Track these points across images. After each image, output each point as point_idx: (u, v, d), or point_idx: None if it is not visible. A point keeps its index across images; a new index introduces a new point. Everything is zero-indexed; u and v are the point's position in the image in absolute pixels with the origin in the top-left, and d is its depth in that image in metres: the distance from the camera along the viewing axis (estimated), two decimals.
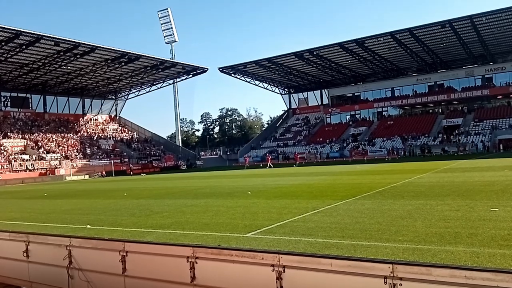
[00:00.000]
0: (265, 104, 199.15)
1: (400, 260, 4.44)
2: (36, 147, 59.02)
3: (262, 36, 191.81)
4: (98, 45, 52.65)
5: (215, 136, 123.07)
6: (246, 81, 75.35)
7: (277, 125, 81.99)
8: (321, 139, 68.52)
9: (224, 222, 10.85)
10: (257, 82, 76.69)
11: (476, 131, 56.05)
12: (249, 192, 18.03)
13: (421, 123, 63.81)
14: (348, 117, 73.13)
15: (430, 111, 67.54)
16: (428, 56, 62.94)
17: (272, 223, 10.07)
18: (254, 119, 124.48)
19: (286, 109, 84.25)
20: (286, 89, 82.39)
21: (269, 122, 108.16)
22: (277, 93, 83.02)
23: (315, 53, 61.66)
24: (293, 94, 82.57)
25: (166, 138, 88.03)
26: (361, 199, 13.66)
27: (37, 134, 62.61)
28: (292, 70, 70.19)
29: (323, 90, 77.67)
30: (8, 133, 59.23)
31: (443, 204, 11.43)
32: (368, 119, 70.93)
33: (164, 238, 9.03)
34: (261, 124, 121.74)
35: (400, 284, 3.52)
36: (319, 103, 78.35)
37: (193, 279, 4.62)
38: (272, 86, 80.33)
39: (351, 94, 74.78)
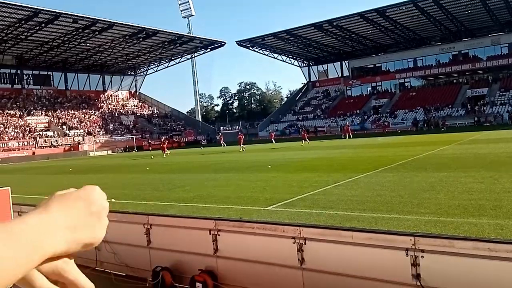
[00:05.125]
0: (284, 77, 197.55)
1: (422, 233, 4.43)
2: (60, 124, 60.29)
3: (280, 9, 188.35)
4: (116, 21, 52.67)
5: (234, 110, 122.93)
6: (265, 54, 74.55)
7: (297, 98, 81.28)
8: (341, 112, 67.79)
9: (245, 195, 10.97)
10: (275, 55, 75.76)
11: (502, 101, 54.43)
12: (269, 166, 18.10)
13: (444, 94, 62.25)
14: (369, 89, 71.87)
15: (454, 81, 65.72)
16: (452, 25, 60.75)
17: (293, 196, 10.13)
18: (273, 93, 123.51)
19: (305, 82, 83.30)
20: (305, 62, 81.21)
21: (288, 95, 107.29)
22: (296, 65, 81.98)
23: (334, 24, 60.27)
24: (312, 67, 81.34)
25: (185, 114, 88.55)
26: (383, 172, 13.56)
27: (60, 111, 63.83)
28: (311, 42, 68.93)
29: (343, 62, 76.19)
30: (32, 111, 60.57)
31: (467, 176, 11.26)
32: (389, 91, 69.60)
33: (187, 212, 9.20)
34: (280, 98, 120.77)
35: (422, 257, 3.52)
36: (339, 75, 77.06)
37: (216, 251, 4.72)
38: (291, 59, 79.27)
39: (372, 66, 73.18)
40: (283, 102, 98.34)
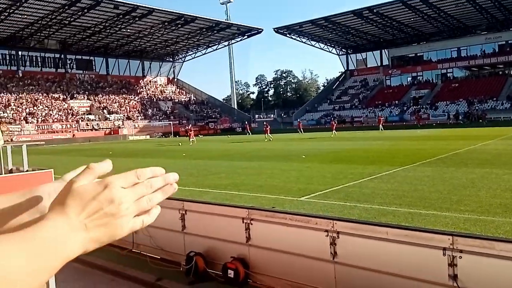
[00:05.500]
0: (321, 65, 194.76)
1: (461, 232, 4.29)
2: (101, 108, 62.22)
3: None
4: (155, 7, 53.41)
5: (270, 98, 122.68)
6: (302, 42, 73.62)
7: (334, 87, 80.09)
8: (379, 102, 66.27)
9: (278, 185, 10.98)
10: (313, 43, 74.66)
11: None
12: (304, 156, 18.00)
13: (489, 85, 59.53)
14: (409, 79, 69.80)
15: (500, 72, 62.69)
16: (500, 13, 57.65)
17: (327, 188, 10.05)
18: (309, 81, 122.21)
19: (343, 70, 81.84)
20: (343, 50, 79.66)
21: (325, 84, 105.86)
22: (334, 53, 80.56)
23: (375, 11, 58.61)
24: (350, 55, 79.69)
25: (221, 101, 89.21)
26: (421, 166, 13.21)
27: (101, 95, 65.83)
28: (350, 30, 67.42)
29: (383, 50, 74.15)
30: (75, 94, 62.77)
31: (510, 174, 10.79)
32: (431, 81, 67.31)
33: (221, 198, 9.32)
34: (317, 86, 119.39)
35: (460, 257, 3.42)
36: (379, 64, 75.14)
37: (248, 239, 4.77)
38: (329, 47, 77.94)
39: (413, 55, 70.89)
40: (320, 91, 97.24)
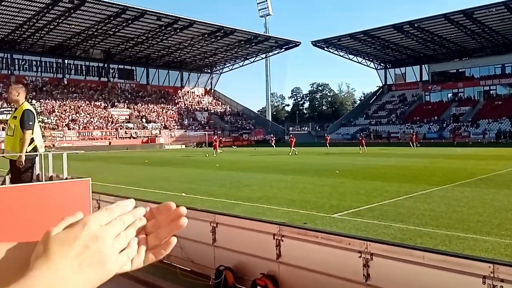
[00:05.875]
0: (358, 79, 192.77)
1: (503, 260, 4.07)
2: (139, 117, 63.92)
3: (357, 9, 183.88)
4: (196, 20, 54.67)
5: (305, 111, 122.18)
6: (339, 55, 73.17)
7: (371, 101, 78.92)
8: (418, 118, 64.67)
9: (310, 200, 10.86)
10: (351, 56, 74.12)
11: None
12: (337, 171, 17.75)
13: None
14: (449, 95, 67.82)
15: None
16: None
17: (361, 205, 9.84)
18: (345, 95, 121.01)
19: (380, 85, 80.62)
20: (381, 64, 78.57)
21: (362, 98, 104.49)
22: (372, 68, 79.59)
23: (416, 25, 57.57)
24: (389, 69, 78.45)
25: (256, 112, 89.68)
26: (460, 186, 12.73)
27: (140, 105, 67.70)
28: (389, 44, 66.47)
29: (422, 65, 72.55)
30: (115, 103, 64.87)
31: None
32: (472, 98, 65.11)
33: (252, 211, 9.30)
34: (353, 100, 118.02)
35: (501, 286, 3.24)
36: (418, 79, 73.51)
37: (279, 256, 4.71)
38: (366, 61, 77.13)
39: (455, 71, 68.93)
40: (356, 105, 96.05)
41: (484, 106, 61.67)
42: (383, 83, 79.36)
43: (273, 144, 46.92)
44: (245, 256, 5.13)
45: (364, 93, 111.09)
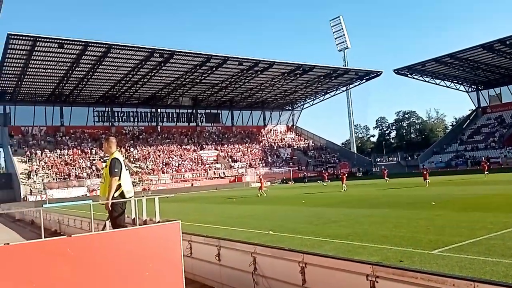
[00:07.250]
0: (447, 104, 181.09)
1: None
2: (226, 157, 66.22)
3: (437, 34, 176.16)
4: (275, 60, 56.31)
5: (392, 141, 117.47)
6: (425, 81, 70.03)
7: (464, 126, 73.71)
8: None
9: (405, 235, 10.16)
10: (437, 81, 70.53)
11: None
12: (433, 203, 16.55)
13: None
14: None
15: None
16: None
17: (463, 240, 8.98)
18: (435, 121, 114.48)
19: (473, 108, 75.21)
20: (473, 86, 73.58)
21: (453, 123, 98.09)
22: (462, 91, 74.82)
23: (508, 42, 53.44)
24: (482, 91, 73.09)
25: (340, 145, 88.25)
26: None
27: (226, 145, 70.31)
28: (479, 64, 62.23)
29: None
30: (204, 145, 68.10)
31: None
32: None
33: (342, 249, 8.93)
34: (444, 126, 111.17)
35: None
36: None
37: None
38: (455, 84, 72.81)
39: None
40: (448, 130, 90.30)
41: None
42: (477, 106, 74.03)
43: (326, 180, 42.90)
44: None
45: (455, 118, 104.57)
